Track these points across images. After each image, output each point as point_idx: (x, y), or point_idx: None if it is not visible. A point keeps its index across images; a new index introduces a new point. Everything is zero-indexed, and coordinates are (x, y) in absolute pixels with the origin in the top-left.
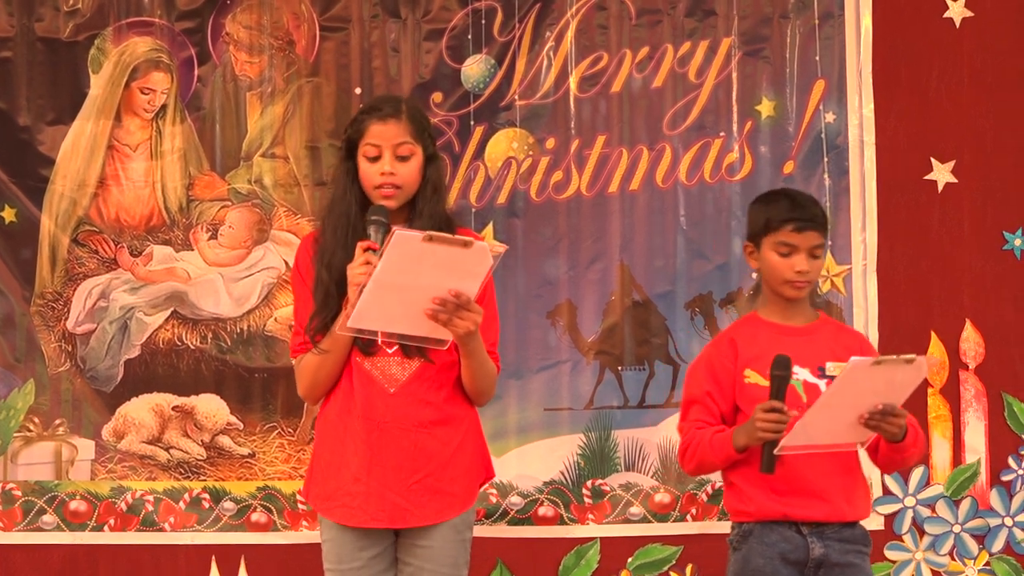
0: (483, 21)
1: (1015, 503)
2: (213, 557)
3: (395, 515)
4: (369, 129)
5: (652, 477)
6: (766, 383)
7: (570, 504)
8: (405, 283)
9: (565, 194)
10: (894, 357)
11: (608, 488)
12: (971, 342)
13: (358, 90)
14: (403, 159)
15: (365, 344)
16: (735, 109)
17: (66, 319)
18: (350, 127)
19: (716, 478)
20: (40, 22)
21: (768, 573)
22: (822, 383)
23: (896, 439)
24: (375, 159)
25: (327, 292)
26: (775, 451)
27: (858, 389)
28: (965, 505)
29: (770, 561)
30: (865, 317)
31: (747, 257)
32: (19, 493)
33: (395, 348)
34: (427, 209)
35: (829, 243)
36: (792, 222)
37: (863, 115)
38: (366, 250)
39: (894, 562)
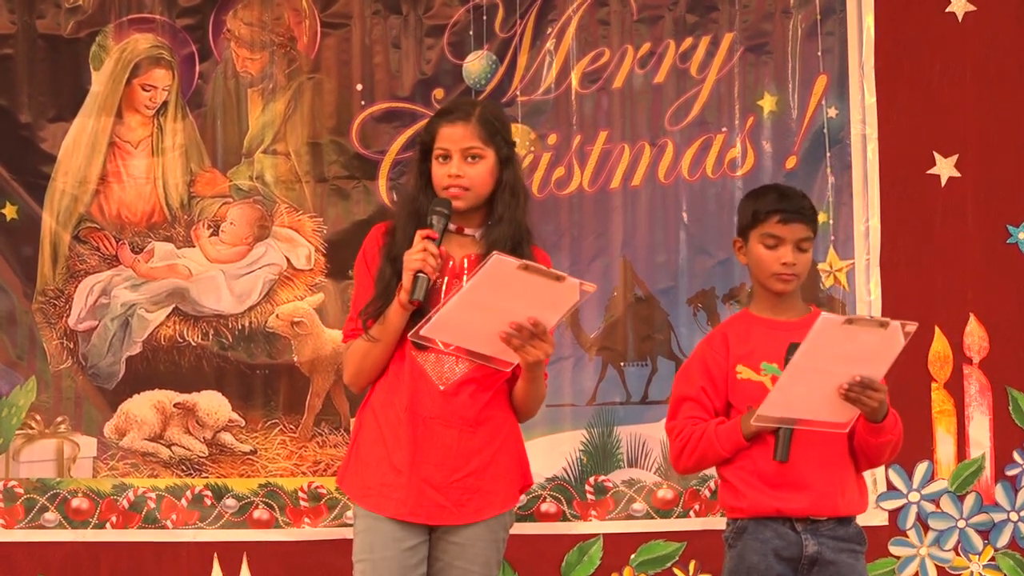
0: (484, 17)
1: (1020, 498)
2: (215, 554)
3: (433, 512)
4: (439, 132)
5: (655, 473)
6: (759, 378)
7: (573, 500)
8: (489, 304)
9: (567, 190)
10: (866, 317)
11: (611, 484)
12: (975, 336)
13: (359, 86)
14: (472, 161)
15: (418, 342)
16: (737, 104)
17: (67, 316)
18: (424, 130)
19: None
20: (41, 19)
21: (762, 570)
22: None
23: (876, 417)
24: (445, 161)
25: (387, 285)
26: (752, 420)
27: (831, 352)
28: (970, 500)
29: (764, 558)
30: (868, 312)
31: (736, 253)
32: (21, 490)
33: (452, 348)
34: (507, 214)
35: (832, 238)
36: (778, 213)
37: (865, 110)
38: (425, 238)
39: (898, 557)
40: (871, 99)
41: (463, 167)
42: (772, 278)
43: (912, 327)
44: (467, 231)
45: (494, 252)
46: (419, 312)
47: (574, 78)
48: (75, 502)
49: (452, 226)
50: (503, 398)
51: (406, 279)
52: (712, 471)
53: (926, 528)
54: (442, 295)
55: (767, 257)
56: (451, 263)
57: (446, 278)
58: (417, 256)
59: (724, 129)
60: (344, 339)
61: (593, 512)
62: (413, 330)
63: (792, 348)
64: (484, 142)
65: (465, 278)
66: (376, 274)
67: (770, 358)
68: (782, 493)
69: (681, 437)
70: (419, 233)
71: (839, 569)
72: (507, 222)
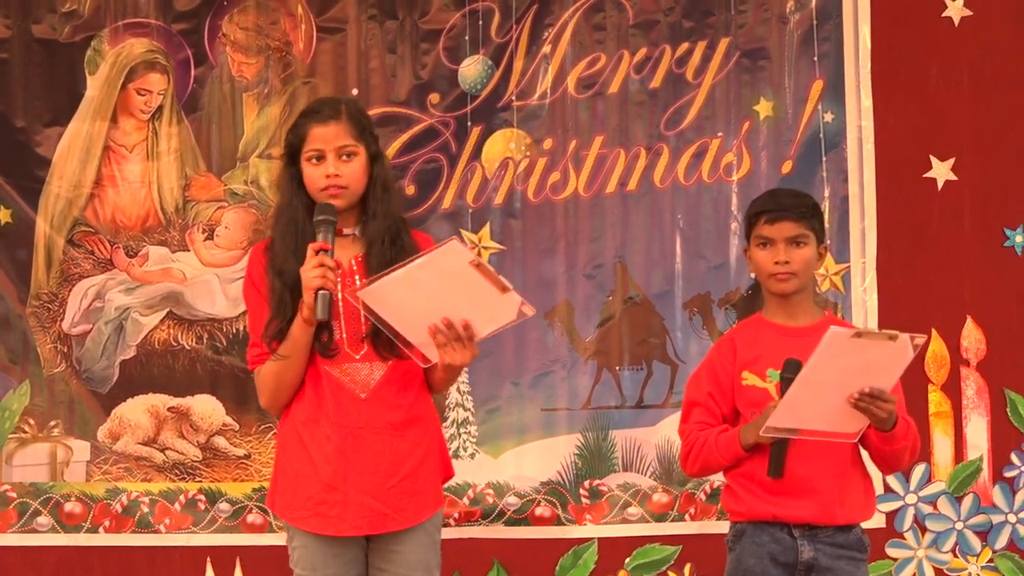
0: (480, 22)
1: (1018, 499)
2: (208, 559)
3: (374, 521)
4: (310, 133)
5: (650, 477)
6: (763, 385)
7: (567, 504)
8: (429, 290)
9: (562, 195)
10: (875, 331)
11: (606, 488)
12: (972, 339)
13: (355, 91)
14: (346, 159)
15: (324, 347)
16: (733, 109)
17: (61, 320)
18: (290, 133)
19: (715, 477)
20: (37, 24)
21: (758, 573)
22: None
23: (885, 426)
24: (318, 161)
25: (281, 299)
26: (761, 433)
27: (840, 365)
28: (967, 502)
29: (760, 561)
30: (865, 315)
31: (748, 263)
32: (14, 495)
33: (362, 352)
34: (380, 209)
35: (828, 241)
36: (765, 214)
37: (862, 114)
38: (318, 252)
39: (895, 560)
40: (867, 103)
41: (339, 166)
42: (769, 279)
43: (921, 339)
44: (346, 231)
45: (452, 238)
46: (325, 324)
47: (570, 83)
48: (68, 506)
49: None
50: (425, 394)
51: (307, 296)
52: (718, 474)
53: (923, 530)
54: (339, 302)
55: (761, 259)
56: (342, 267)
57: (340, 283)
58: (315, 274)
59: (720, 134)
60: (250, 366)
61: (588, 516)
62: (354, 288)
63: (789, 364)
64: (356, 139)
65: (357, 278)
66: (267, 294)
67: (776, 365)
68: (781, 500)
69: (688, 442)
70: (311, 247)
71: (836, 575)
72: (382, 216)
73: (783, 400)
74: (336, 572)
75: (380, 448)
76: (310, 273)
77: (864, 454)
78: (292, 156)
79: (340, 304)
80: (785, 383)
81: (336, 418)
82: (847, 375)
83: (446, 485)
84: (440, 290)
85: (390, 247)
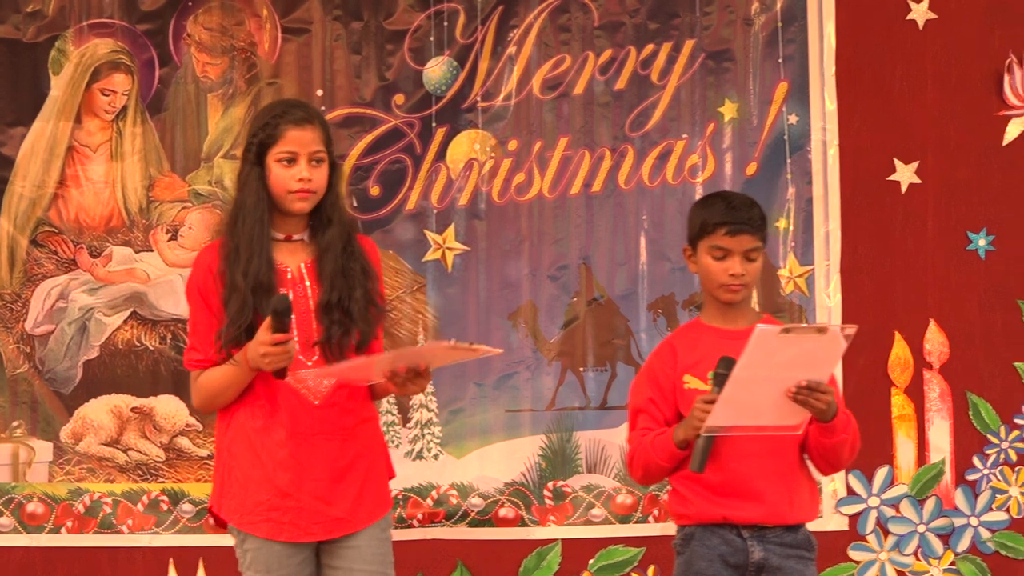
0: (445, 23)
1: (980, 502)
2: (171, 559)
3: (328, 526)
4: (286, 134)
5: (614, 478)
6: (705, 387)
7: (531, 505)
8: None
9: (527, 196)
10: (803, 325)
11: (569, 489)
12: (935, 342)
13: (320, 92)
14: (316, 165)
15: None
16: (698, 111)
17: (24, 320)
18: (261, 132)
19: None
20: (1, 24)
21: None
22: None
23: (825, 417)
24: (290, 164)
25: (244, 301)
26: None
27: (772, 361)
28: (930, 505)
29: (711, 564)
30: (828, 318)
31: (687, 261)
32: None
33: (314, 359)
34: (336, 216)
35: (792, 244)
36: (725, 225)
37: (826, 116)
38: (279, 343)
39: (858, 562)
40: (832, 106)
41: (311, 170)
42: (720, 289)
43: (852, 330)
44: (295, 237)
45: (373, 358)
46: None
47: (535, 84)
48: (30, 507)
49: (280, 235)
50: (369, 399)
51: (269, 366)
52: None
53: (886, 533)
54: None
55: (715, 268)
56: (289, 273)
57: (290, 291)
58: (279, 358)
59: (685, 136)
60: (186, 366)
61: (552, 517)
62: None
63: (723, 361)
64: (325, 145)
65: (307, 284)
66: (219, 297)
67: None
68: (728, 501)
69: (631, 448)
70: (273, 339)
71: (786, 575)
72: (337, 223)
73: (719, 399)
74: (290, 572)
75: (333, 454)
76: (273, 359)
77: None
78: (260, 155)
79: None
80: (718, 379)
81: (290, 425)
82: (781, 370)
83: (408, 487)
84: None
85: (342, 254)
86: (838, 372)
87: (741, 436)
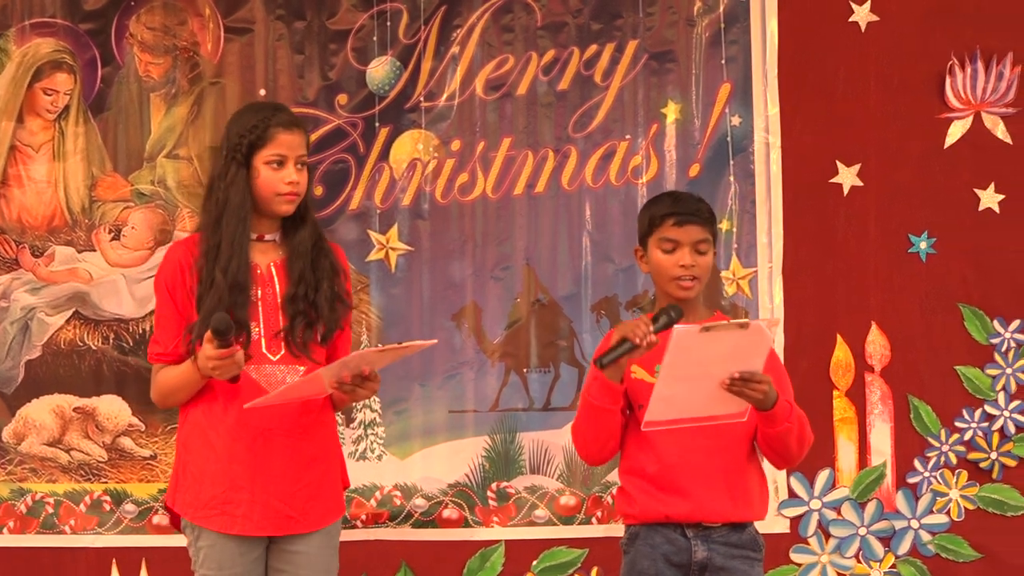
0: (388, 23)
1: (921, 505)
2: (114, 560)
3: (279, 523)
4: (276, 137)
5: (557, 480)
6: (651, 380)
7: (475, 507)
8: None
9: (470, 196)
10: (724, 323)
11: (513, 491)
12: (877, 345)
13: (262, 91)
14: (301, 168)
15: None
16: (641, 112)
17: None
18: (250, 133)
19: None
20: None
21: (652, 575)
22: None
23: (764, 406)
24: (279, 167)
25: (220, 298)
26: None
27: (697, 359)
28: (871, 507)
29: (654, 563)
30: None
31: (638, 262)
32: None
33: (279, 355)
34: (308, 216)
35: (735, 246)
36: (672, 216)
37: (769, 118)
38: (226, 355)
39: (800, 565)
40: (774, 108)
41: (297, 174)
42: (672, 283)
43: (775, 323)
44: (267, 237)
45: (318, 371)
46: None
47: (478, 84)
48: None
49: (253, 235)
50: (328, 401)
51: (219, 377)
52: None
53: (827, 535)
54: (259, 306)
55: (665, 262)
56: (259, 271)
57: (260, 289)
58: (227, 369)
59: (628, 136)
60: (149, 359)
61: (495, 518)
62: (247, 404)
63: (671, 307)
64: (308, 150)
65: (276, 283)
66: (199, 292)
67: None
68: (670, 498)
69: (573, 422)
70: (218, 354)
71: (730, 575)
72: (310, 223)
73: (652, 395)
74: (243, 571)
75: (289, 451)
76: (226, 372)
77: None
78: (247, 156)
79: (260, 308)
80: (662, 312)
81: (248, 420)
82: (711, 365)
83: (352, 487)
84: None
85: (311, 250)
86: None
87: (685, 432)
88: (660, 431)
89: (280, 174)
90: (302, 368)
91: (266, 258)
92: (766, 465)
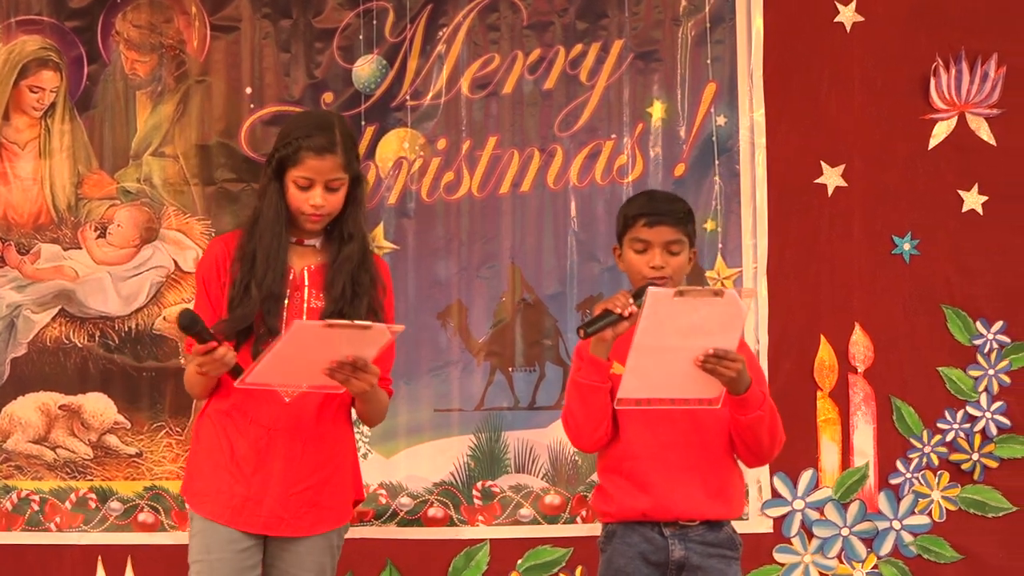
0: (375, 22)
1: (903, 506)
2: (99, 557)
3: (270, 522)
4: (305, 162)
5: (542, 479)
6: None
7: (460, 505)
8: (305, 356)
9: (456, 195)
10: (698, 288)
11: (498, 489)
12: (860, 345)
13: (248, 90)
14: (332, 192)
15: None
16: (626, 111)
17: None
18: (283, 148)
19: None
20: None
21: (629, 573)
22: None
23: (737, 388)
24: (307, 190)
25: (250, 310)
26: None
27: (672, 326)
28: (854, 508)
29: (631, 561)
30: (755, 320)
31: (616, 260)
32: None
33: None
34: (357, 232)
35: (720, 246)
36: (643, 217)
37: (754, 118)
38: (203, 352)
39: (783, 565)
40: (759, 108)
41: (325, 196)
42: (643, 282)
43: (749, 292)
44: (307, 242)
45: (295, 322)
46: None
47: (464, 83)
48: None
49: (291, 238)
50: (345, 412)
51: (209, 374)
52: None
53: (810, 536)
54: (284, 309)
55: (637, 261)
56: (292, 274)
57: (288, 290)
58: (230, 360)
59: (613, 136)
60: (184, 350)
61: (480, 517)
62: (238, 380)
63: (645, 286)
64: (345, 170)
65: (306, 288)
66: (232, 294)
67: None
68: (647, 498)
69: (563, 410)
70: (197, 350)
71: (707, 574)
72: (357, 239)
73: (626, 368)
74: (229, 557)
75: (293, 453)
76: (214, 370)
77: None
78: (279, 170)
79: (284, 312)
80: (642, 289)
81: (257, 416)
82: (685, 338)
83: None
84: (315, 353)
85: (357, 268)
86: (764, 373)
87: (662, 430)
88: (639, 431)
89: (306, 195)
90: None
91: (302, 262)
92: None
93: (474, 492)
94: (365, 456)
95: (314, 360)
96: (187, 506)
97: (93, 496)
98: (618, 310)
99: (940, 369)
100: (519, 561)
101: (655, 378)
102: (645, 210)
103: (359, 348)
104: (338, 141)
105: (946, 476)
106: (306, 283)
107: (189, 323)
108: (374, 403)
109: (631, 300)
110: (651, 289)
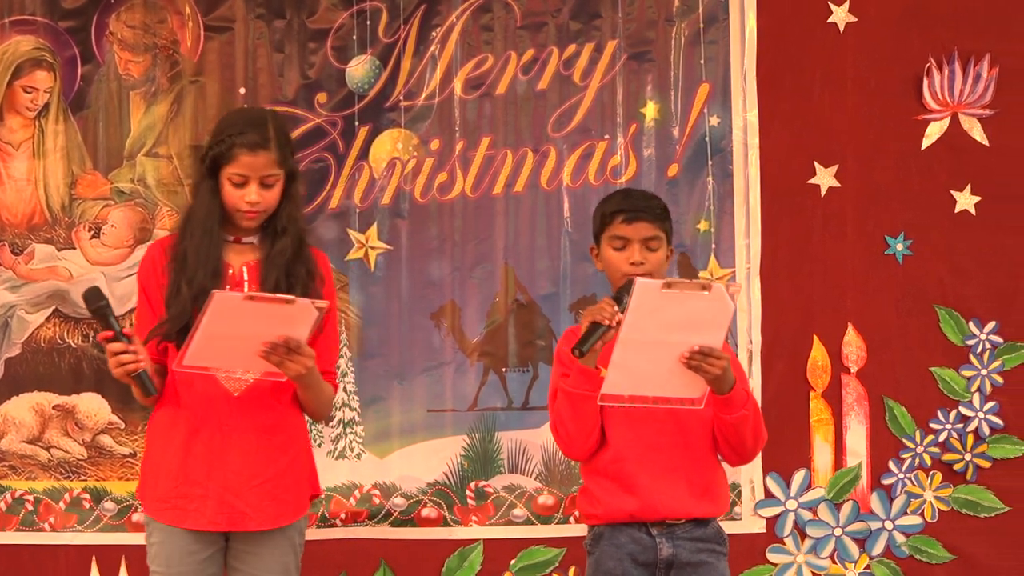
0: (368, 22)
1: (895, 506)
2: (93, 557)
3: (232, 518)
4: (238, 159)
5: (535, 479)
6: None
7: (453, 506)
8: (232, 332)
9: (450, 195)
10: (686, 280)
11: (491, 490)
12: (853, 346)
13: (242, 90)
14: (267, 187)
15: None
16: (620, 112)
17: None
18: (216, 147)
19: None
20: None
21: (618, 575)
22: None
23: (722, 388)
24: (241, 187)
25: (183, 308)
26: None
27: (658, 320)
28: (846, 508)
29: (620, 563)
30: (748, 320)
31: (594, 260)
32: None
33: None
34: (292, 227)
35: (714, 246)
36: (621, 213)
37: (747, 119)
38: (106, 340)
39: (776, 565)
40: (752, 108)
41: (260, 193)
42: (622, 279)
43: (736, 288)
44: (245, 240)
45: (215, 293)
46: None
47: (457, 84)
48: None
49: (229, 237)
50: (296, 405)
51: (119, 370)
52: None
53: (803, 536)
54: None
55: (615, 259)
56: (231, 271)
57: (228, 287)
58: (125, 360)
59: (607, 136)
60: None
61: (474, 517)
62: (175, 362)
63: (630, 280)
64: (279, 166)
65: (246, 284)
66: (168, 292)
67: None
68: (634, 498)
69: (552, 420)
70: (99, 336)
71: (697, 570)
72: (291, 233)
73: (611, 364)
74: (190, 570)
75: (247, 448)
76: (123, 363)
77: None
78: (213, 168)
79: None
80: (625, 286)
81: (207, 415)
82: (671, 332)
83: (331, 486)
84: (240, 329)
85: (291, 260)
86: (756, 373)
87: (647, 430)
88: (623, 432)
89: (241, 192)
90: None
91: (240, 259)
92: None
93: (467, 492)
94: (359, 456)
95: (245, 339)
96: (144, 514)
97: (87, 496)
98: (606, 321)
99: (933, 369)
100: (512, 561)
101: (639, 375)
102: (623, 206)
103: (289, 327)
104: (271, 137)
105: (939, 476)
106: (245, 279)
107: (90, 296)
108: (315, 391)
109: (616, 308)
110: (639, 280)
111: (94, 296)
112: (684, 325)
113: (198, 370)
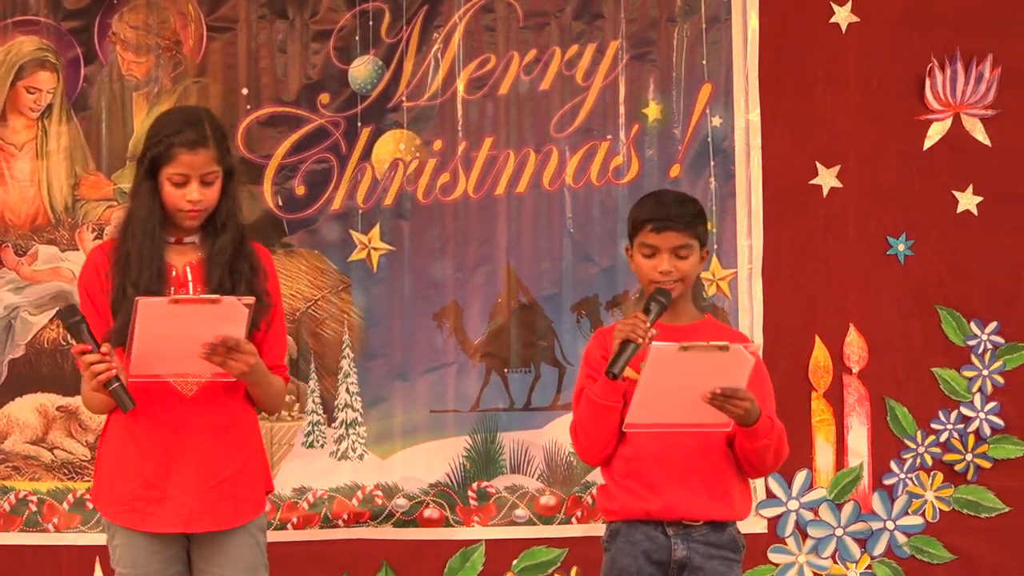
0: (371, 22)
1: (896, 507)
2: (97, 558)
3: (191, 519)
4: (177, 158)
5: (537, 479)
6: (636, 376)
7: (456, 506)
8: (172, 336)
9: (452, 196)
10: (703, 344)
11: (494, 490)
12: (854, 346)
13: (245, 91)
14: (208, 185)
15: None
16: (622, 112)
17: None
18: (154, 147)
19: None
20: None
21: (633, 572)
22: None
23: (747, 422)
24: (182, 186)
25: (131, 310)
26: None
27: (676, 374)
28: (848, 508)
29: (634, 560)
30: (750, 320)
31: (629, 260)
32: None
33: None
34: (230, 222)
35: (716, 247)
36: (651, 223)
37: (749, 119)
38: (85, 352)
39: (777, 565)
40: (755, 108)
41: (201, 191)
42: (652, 286)
43: (755, 348)
44: (186, 240)
45: (139, 300)
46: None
47: (460, 84)
48: None
49: (170, 238)
50: (249, 402)
51: (92, 381)
52: (597, 475)
53: (805, 536)
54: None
55: (645, 266)
56: (174, 272)
57: (172, 288)
58: (99, 370)
59: (609, 137)
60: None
61: (476, 518)
62: (129, 375)
63: (659, 291)
64: (218, 163)
65: (190, 284)
66: (113, 298)
67: None
68: (652, 497)
69: (573, 417)
70: (74, 349)
71: (708, 575)
72: (230, 230)
73: (634, 401)
74: (156, 569)
75: (203, 448)
76: (96, 373)
77: None
78: (152, 169)
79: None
80: (650, 299)
81: (161, 416)
82: (692, 378)
83: (333, 487)
84: (179, 332)
85: (232, 256)
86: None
87: (667, 434)
88: (644, 432)
89: (182, 192)
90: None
91: (183, 259)
92: None
93: (470, 493)
94: (362, 457)
95: (182, 342)
96: (103, 519)
97: (90, 497)
98: (639, 340)
99: (934, 370)
100: (514, 562)
101: (663, 410)
102: (653, 215)
103: (222, 326)
104: (209, 135)
105: (940, 476)
106: (189, 279)
107: (66, 313)
108: (263, 387)
109: (648, 324)
110: (654, 345)
111: (69, 313)
112: (704, 374)
113: (148, 378)
